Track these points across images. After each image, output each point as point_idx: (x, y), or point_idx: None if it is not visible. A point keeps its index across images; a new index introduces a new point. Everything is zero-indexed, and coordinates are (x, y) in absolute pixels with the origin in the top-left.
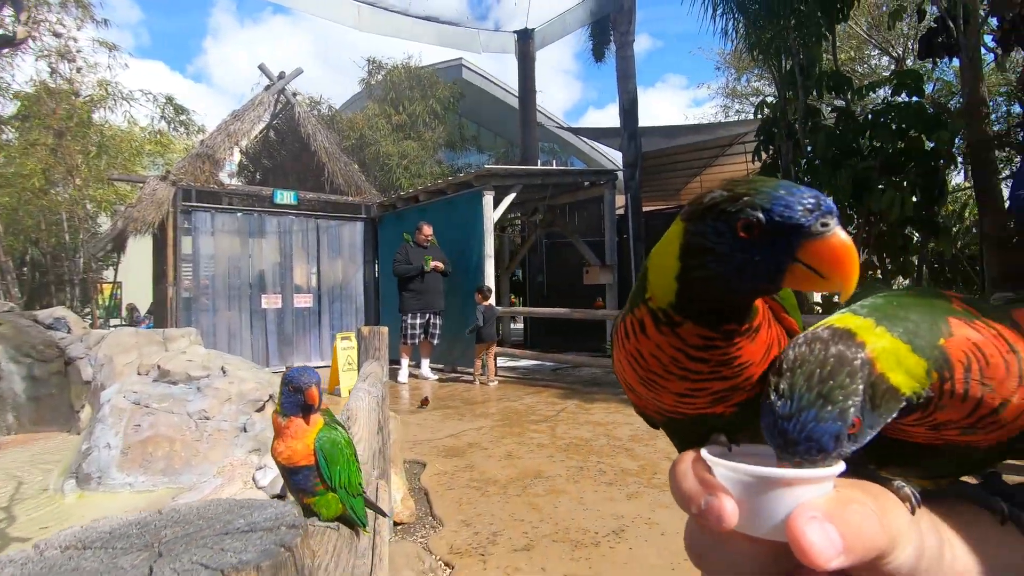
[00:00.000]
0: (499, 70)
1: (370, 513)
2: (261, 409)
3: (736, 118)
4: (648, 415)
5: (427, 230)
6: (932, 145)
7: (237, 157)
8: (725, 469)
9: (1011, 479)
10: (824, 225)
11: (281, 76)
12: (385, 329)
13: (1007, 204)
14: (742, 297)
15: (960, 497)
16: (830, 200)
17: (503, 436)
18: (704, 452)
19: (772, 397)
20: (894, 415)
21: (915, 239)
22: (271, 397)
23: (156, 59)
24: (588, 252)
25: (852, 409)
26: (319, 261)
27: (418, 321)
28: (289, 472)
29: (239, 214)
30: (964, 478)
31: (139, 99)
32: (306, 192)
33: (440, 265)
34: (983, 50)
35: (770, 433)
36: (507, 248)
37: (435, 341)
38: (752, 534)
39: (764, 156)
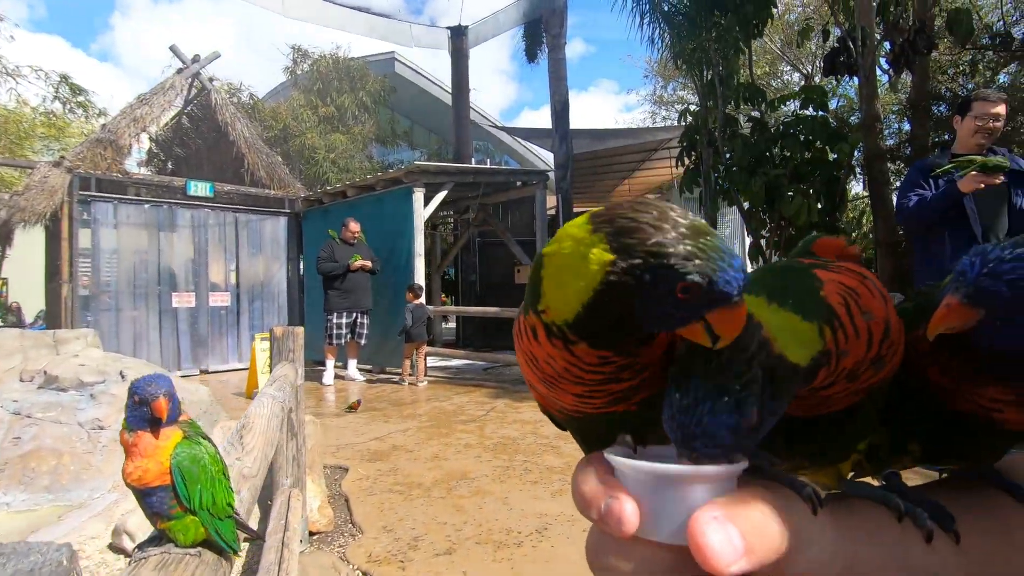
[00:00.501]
0: (434, 66)
1: (276, 527)
2: None
3: (663, 124)
4: (551, 414)
5: (354, 227)
6: (835, 156)
7: (146, 144)
8: (626, 469)
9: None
10: (739, 295)
11: (196, 59)
12: (300, 330)
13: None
14: (643, 333)
15: (860, 497)
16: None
17: (430, 438)
18: (606, 453)
19: (671, 389)
20: (793, 394)
21: None
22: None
23: (54, 33)
24: (520, 252)
25: (750, 398)
26: (238, 257)
27: (344, 321)
28: (142, 494)
29: (147, 206)
30: (867, 479)
31: (27, 76)
32: (223, 184)
33: (367, 263)
34: (879, 71)
35: (669, 427)
36: (439, 246)
37: (362, 341)
38: (654, 539)
39: (687, 161)
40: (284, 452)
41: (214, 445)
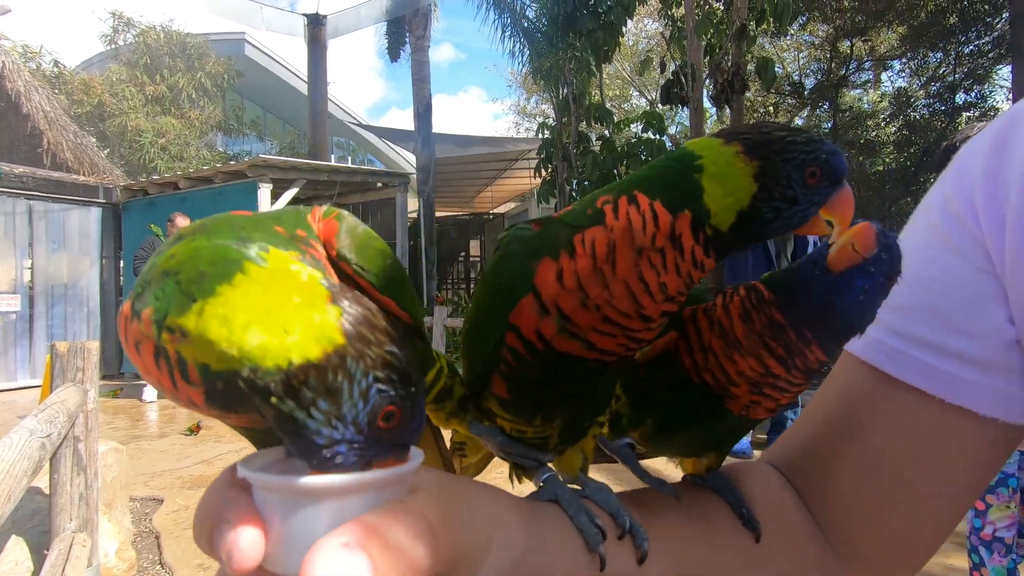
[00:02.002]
0: (294, 54)
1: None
2: None
3: (525, 135)
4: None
5: (181, 222)
6: None
7: None
8: (255, 483)
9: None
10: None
11: None
12: (93, 345)
13: None
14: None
15: (593, 501)
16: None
17: None
18: (240, 465)
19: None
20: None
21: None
22: None
23: None
24: None
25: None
26: (33, 253)
27: None
28: None
29: None
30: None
31: None
32: (14, 165)
33: None
34: (706, 103)
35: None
36: None
37: None
38: (287, 573)
39: (544, 173)
40: (66, 491)
41: None
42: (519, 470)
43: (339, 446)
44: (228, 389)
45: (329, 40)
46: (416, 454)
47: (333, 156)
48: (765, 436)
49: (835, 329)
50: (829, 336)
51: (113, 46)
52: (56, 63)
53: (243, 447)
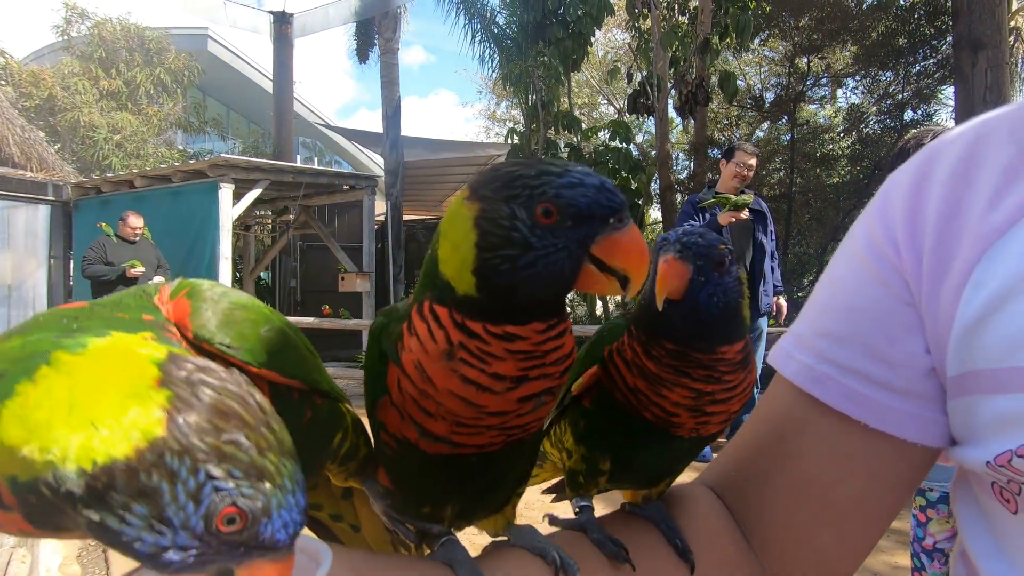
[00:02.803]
0: (260, 52)
1: None
2: None
3: (496, 140)
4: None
5: (135, 221)
6: (635, 185)
7: None
8: None
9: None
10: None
11: None
12: None
13: None
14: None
15: (521, 547)
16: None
17: None
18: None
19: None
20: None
21: None
22: None
23: None
24: (345, 258)
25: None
26: None
27: None
28: None
29: None
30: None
31: None
32: None
33: (141, 271)
34: (671, 114)
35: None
36: (253, 248)
37: None
38: None
39: None
40: None
41: None
42: (415, 535)
43: (169, 553)
44: (41, 503)
45: (296, 39)
46: (322, 557)
47: (299, 157)
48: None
49: (722, 327)
50: (723, 333)
51: (66, 37)
52: (2, 53)
53: None
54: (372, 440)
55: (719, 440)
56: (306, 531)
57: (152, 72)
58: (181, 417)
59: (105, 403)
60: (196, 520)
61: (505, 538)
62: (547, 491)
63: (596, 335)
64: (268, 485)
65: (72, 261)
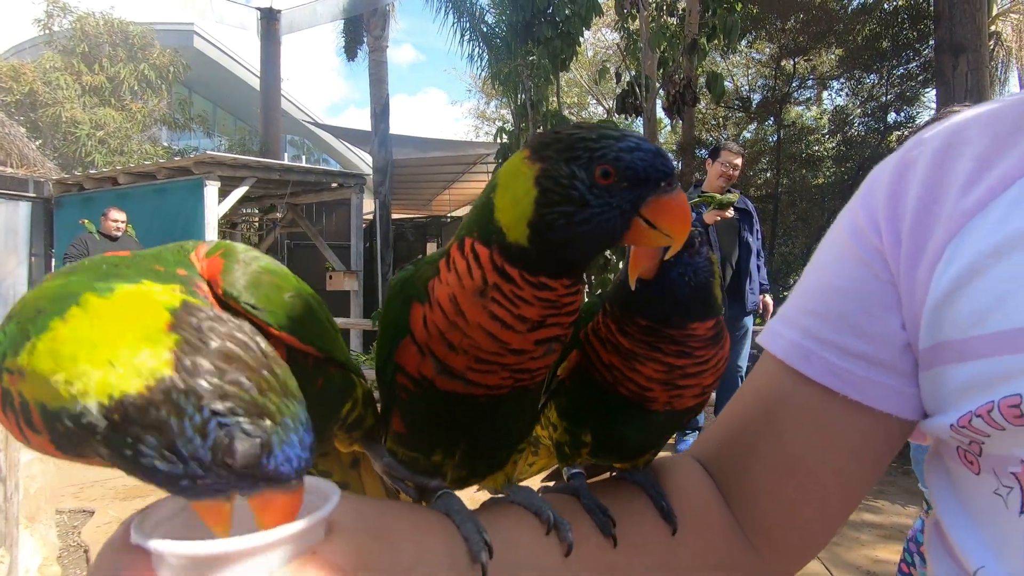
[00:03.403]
0: (248, 49)
1: None
2: None
3: (486, 139)
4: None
5: (117, 216)
6: None
7: None
8: (155, 552)
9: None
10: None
11: None
12: None
13: None
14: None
15: (517, 503)
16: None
17: None
18: (134, 524)
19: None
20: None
21: (611, 260)
22: None
23: None
24: (333, 256)
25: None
26: None
27: None
28: None
29: None
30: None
31: None
32: None
33: None
34: (659, 114)
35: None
36: None
37: None
38: None
39: None
40: None
41: None
42: (415, 491)
43: (182, 481)
44: (67, 430)
45: (284, 35)
46: (330, 495)
47: (287, 155)
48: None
49: (693, 305)
50: (694, 311)
51: (47, 32)
52: None
53: None
54: (379, 410)
55: None
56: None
57: (136, 68)
58: (188, 359)
59: (122, 343)
60: (204, 452)
61: (503, 496)
62: (546, 479)
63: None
64: (269, 422)
65: (53, 259)
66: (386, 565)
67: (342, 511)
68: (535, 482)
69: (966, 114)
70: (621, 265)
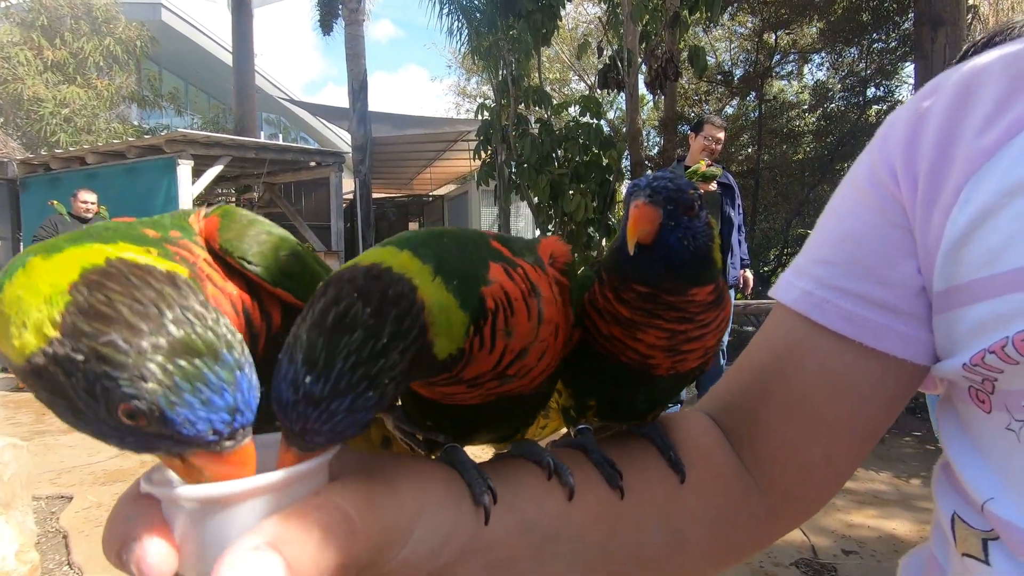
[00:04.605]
0: (219, 23)
1: None
2: None
3: (467, 116)
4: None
5: (87, 196)
6: (607, 162)
7: None
8: (160, 496)
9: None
10: (229, 440)
11: None
12: None
13: None
14: None
15: (519, 455)
16: (250, 408)
17: None
18: (147, 474)
19: (296, 364)
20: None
21: (595, 238)
22: None
23: None
24: (313, 237)
25: (392, 389)
26: None
27: None
28: None
29: None
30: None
31: None
32: None
33: None
34: (642, 89)
35: (283, 412)
36: None
37: None
38: None
39: (483, 155)
40: None
41: None
42: (424, 445)
43: (109, 439)
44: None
45: (256, 8)
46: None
47: (263, 133)
48: None
49: (692, 270)
50: (694, 276)
51: (4, 4)
52: None
53: None
54: None
55: None
56: None
57: (101, 43)
58: (70, 319)
59: (31, 305)
60: (104, 413)
61: (505, 451)
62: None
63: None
64: (151, 384)
65: (21, 242)
66: (391, 508)
67: (344, 460)
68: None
69: (984, 57)
70: (619, 232)
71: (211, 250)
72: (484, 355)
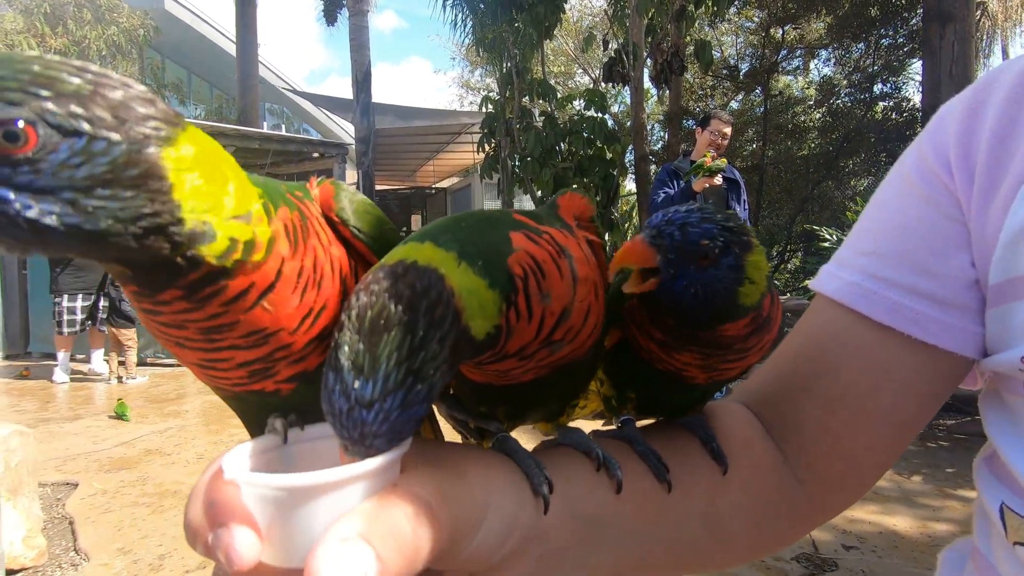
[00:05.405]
0: (222, 13)
1: None
2: None
3: (470, 108)
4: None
5: None
6: (611, 156)
7: None
8: (245, 484)
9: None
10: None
11: None
12: None
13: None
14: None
15: (567, 445)
16: None
17: (195, 437)
18: (225, 461)
19: (342, 372)
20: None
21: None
22: None
23: None
24: None
25: (439, 378)
26: None
27: (79, 304)
28: None
29: None
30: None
31: None
32: None
33: None
34: (647, 83)
35: (339, 423)
36: None
37: (105, 329)
38: (288, 565)
39: (487, 148)
40: None
41: None
42: (473, 433)
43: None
44: None
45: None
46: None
47: (266, 124)
48: None
49: (709, 314)
50: (717, 317)
51: None
52: None
53: (165, 427)
54: None
55: None
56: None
57: (104, 31)
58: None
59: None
60: None
61: (553, 437)
62: (597, 418)
63: (614, 289)
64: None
65: None
66: (464, 499)
67: (413, 451)
68: (585, 425)
69: None
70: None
71: (325, 216)
72: (524, 325)
